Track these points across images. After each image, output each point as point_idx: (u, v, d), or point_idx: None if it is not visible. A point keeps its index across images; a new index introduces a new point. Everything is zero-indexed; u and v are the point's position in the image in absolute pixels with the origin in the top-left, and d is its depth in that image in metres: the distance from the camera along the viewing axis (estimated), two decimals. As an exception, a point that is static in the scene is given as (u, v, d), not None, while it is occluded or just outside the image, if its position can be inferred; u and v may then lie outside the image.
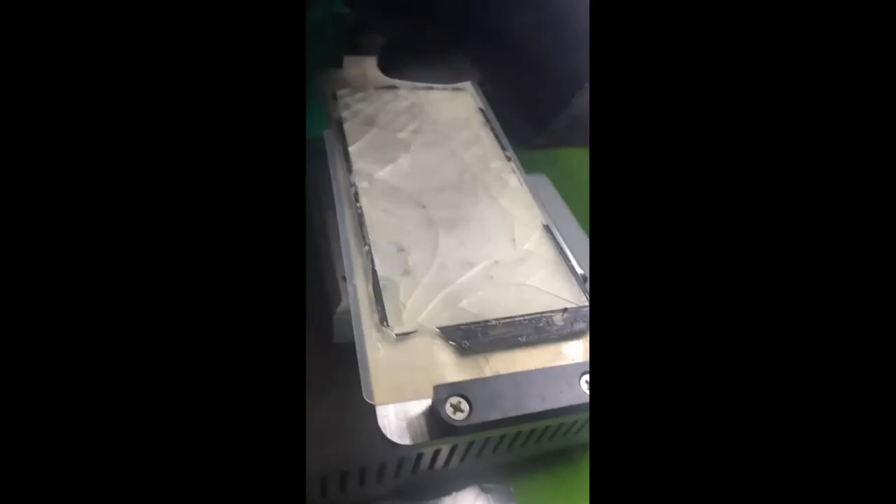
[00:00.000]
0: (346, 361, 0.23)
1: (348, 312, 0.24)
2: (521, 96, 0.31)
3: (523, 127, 0.32)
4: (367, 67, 0.36)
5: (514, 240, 0.27)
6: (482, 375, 0.21)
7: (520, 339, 0.23)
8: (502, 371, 0.21)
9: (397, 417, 0.20)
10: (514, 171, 0.31)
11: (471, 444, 0.30)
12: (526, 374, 0.21)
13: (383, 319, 0.23)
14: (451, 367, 0.21)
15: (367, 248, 0.25)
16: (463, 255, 0.26)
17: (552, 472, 0.34)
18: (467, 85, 0.37)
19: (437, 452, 0.29)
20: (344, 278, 0.25)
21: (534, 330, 0.23)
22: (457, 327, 0.23)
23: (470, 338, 0.22)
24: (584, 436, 0.34)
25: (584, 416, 0.26)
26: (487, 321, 0.23)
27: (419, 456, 0.29)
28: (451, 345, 0.22)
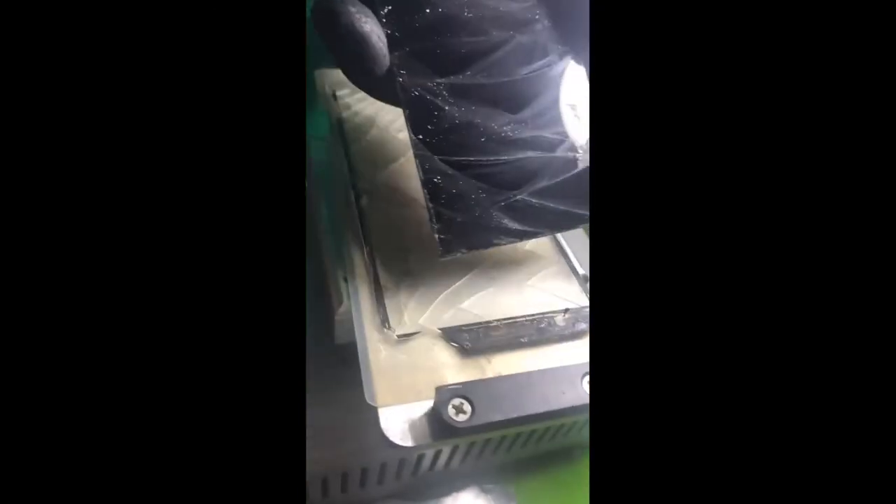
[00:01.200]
0: (348, 363, 0.23)
1: (350, 313, 0.24)
2: None
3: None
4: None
5: (514, 240, 0.27)
6: (484, 376, 0.21)
7: (521, 339, 0.23)
8: (504, 372, 0.21)
9: (399, 419, 0.20)
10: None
11: (471, 444, 0.30)
12: (528, 375, 0.21)
13: (385, 321, 0.23)
14: (452, 369, 0.21)
15: (368, 248, 0.25)
16: (464, 256, 0.26)
17: (552, 472, 0.34)
18: None
19: (437, 453, 0.29)
20: (345, 279, 0.25)
21: (535, 330, 0.23)
22: (458, 328, 0.23)
23: (471, 339, 0.22)
24: (585, 435, 0.34)
25: (586, 417, 0.26)
26: (489, 322, 0.23)
27: (420, 457, 0.29)
28: (452, 346, 0.22)
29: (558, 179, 0.23)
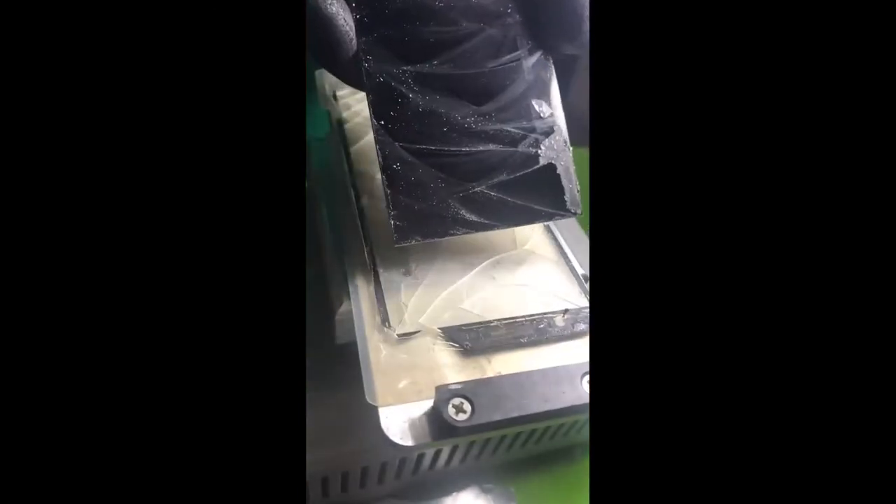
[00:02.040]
0: (348, 362, 0.23)
1: (350, 313, 0.24)
2: None
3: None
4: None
5: (514, 240, 0.27)
6: (484, 376, 0.21)
7: (521, 339, 0.23)
8: (504, 372, 0.21)
9: (399, 418, 0.20)
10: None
11: (471, 444, 0.30)
12: (528, 375, 0.21)
13: (385, 320, 0.23)
14: (452, 368, 0.21)
15: (368, 248, 0.25)
16: (464, 256, 0.26)
17: (552, 472, 0.34)
18: None
19: (437, 453, 0.29)
20: (345, 279, 0.25)
21: (535, 330, 0.23)
22: (458, 328, 0.23)
23: (471, 338, 0.22)
24: (585, 435, 0.34)
25: (586, 417, 0.26)
26: (489, 322, 0.23)
27: (420, 456, 0.29)
28: (452, 345, 0.22)
29: (518, 174, 0.23)
